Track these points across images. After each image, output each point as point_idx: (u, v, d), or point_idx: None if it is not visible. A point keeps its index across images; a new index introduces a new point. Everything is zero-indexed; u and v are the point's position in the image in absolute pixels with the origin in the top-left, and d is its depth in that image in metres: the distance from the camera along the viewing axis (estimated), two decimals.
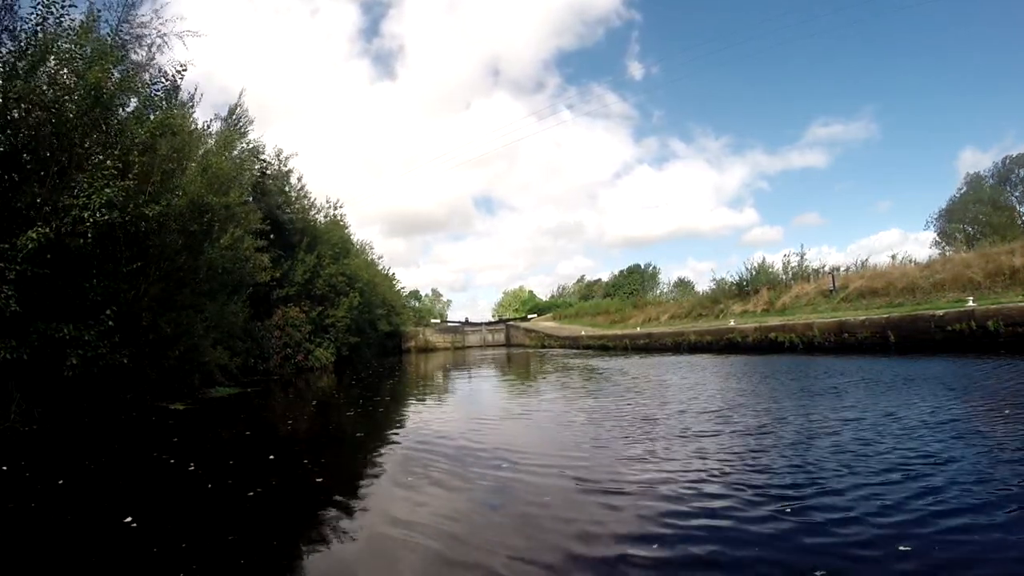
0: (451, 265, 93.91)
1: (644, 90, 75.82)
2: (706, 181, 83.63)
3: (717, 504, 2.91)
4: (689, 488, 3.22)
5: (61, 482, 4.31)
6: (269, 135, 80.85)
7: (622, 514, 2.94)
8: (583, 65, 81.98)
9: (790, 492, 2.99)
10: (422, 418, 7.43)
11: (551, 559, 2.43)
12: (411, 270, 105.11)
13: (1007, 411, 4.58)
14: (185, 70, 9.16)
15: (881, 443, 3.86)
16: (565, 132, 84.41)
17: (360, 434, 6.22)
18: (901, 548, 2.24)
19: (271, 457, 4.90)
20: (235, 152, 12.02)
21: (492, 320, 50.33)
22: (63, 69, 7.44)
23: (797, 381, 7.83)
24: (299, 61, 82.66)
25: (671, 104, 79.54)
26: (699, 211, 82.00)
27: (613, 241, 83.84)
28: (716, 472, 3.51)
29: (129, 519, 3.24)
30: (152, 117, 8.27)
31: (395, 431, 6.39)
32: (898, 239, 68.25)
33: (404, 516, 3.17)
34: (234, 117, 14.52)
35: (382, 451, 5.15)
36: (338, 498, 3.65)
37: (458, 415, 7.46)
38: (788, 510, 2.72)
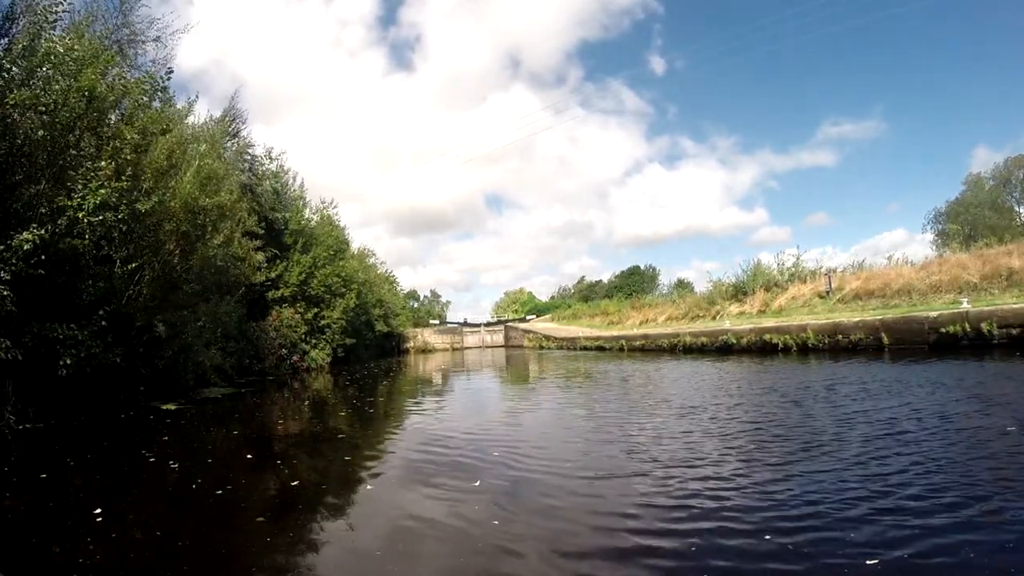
0: (457, 264, 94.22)
1: (660, 86, 75.75)
2: (716, 180, 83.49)
3: (711, 514, 2.81)
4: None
5: (44, 476, 4.40)
6: (278, 128, 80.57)
7: (617, 522, 2.86)
8: (605, 57, 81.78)
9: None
10: (411, 420, 7.47)
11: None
12: (417, 270, 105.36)
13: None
14: (171, 72, 9.32)
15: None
16: (579, 129, 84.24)
17: (342, 435, 6.26)
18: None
19: (248, 456, 4.94)
20: (228, 153, 12.10)
21: (491, 321, 50.38)
22: (58, 73, 7.51)
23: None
24: (312, 51, 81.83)
25: (685, 101, 79.59)
26: (708, 210, 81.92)
27: (621, 240, 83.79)
28: (706, 484, 3.40)
29: (98, 511, 3.34)
30: (143, 116, 8.35)
31: (382, 433, 6.44)
32: (903, 239, 67.46)
33: (374, 520, 3.15)
34: (227, 119, 14.60)
35: (365, 453, 5.18)
36: (304, 498, 3.70)
37: (447, 417, 7.49)
38: (767, 537, 2.53)
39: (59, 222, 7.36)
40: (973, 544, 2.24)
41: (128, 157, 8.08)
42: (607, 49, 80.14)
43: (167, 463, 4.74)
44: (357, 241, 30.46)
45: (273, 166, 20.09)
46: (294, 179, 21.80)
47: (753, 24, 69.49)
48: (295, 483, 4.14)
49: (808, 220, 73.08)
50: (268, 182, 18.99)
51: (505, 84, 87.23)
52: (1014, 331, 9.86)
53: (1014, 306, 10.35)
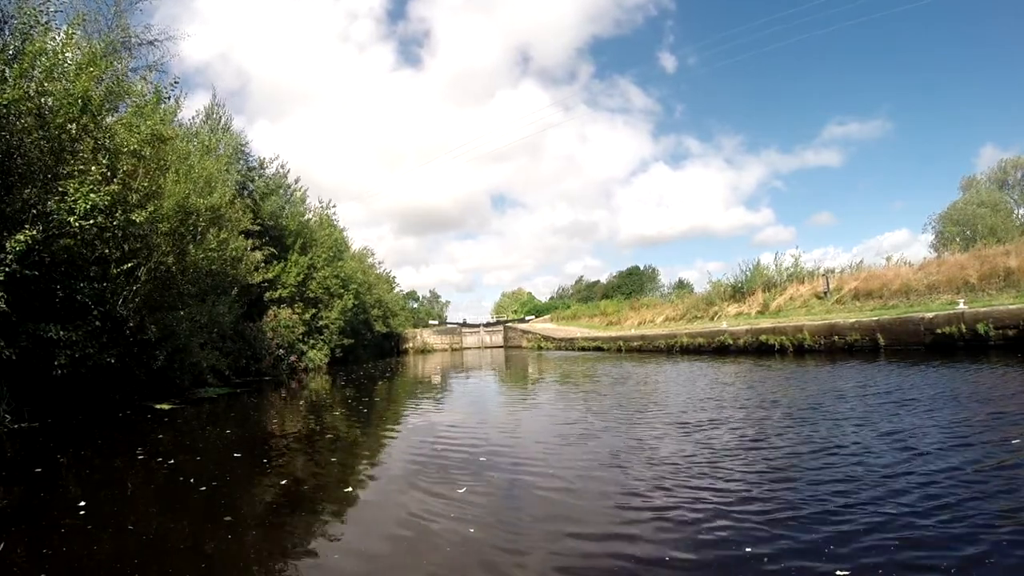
0: (460, 264, 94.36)
1: (668, 84, 75.58)
2: (722, 180, 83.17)
3: (707, 530, 2.70)
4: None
5: (39, 470, 4.47)
6: (282, 125, 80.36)
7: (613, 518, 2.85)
8: (615, 54, 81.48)
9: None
10: (405, 422, 7.48)
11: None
12: (420, 269, 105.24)
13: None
14: (177, 83, 9.39)
15: None
16: (586, 128, 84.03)
17: (335, 436, 6.27)
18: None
19: (239, 456, 4.96)
20: (220, 152, 12.11)
21: (490, 321, 50.41)
22: (51, 76, 7.53)
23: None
24: (318, 46, 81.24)
25: (692, 99, 79.31)
26: (714, 210, 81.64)
27: (626, 240, 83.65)
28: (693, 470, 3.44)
29: (82, 504, 3.42)
30: (142, 127, 8.37)
31: (375, 434, 6.44)
32: (906, 239, 67.28)
33: (358, 523, 3.14)
34: (214, 118, 14.61)
35: (356, 454, 5.20)
36: (291, 498, 3.70)
37: (439, 420, 7.47)
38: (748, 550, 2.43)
39: (51, 224, 7.38)
40: None
41: (123, 162, 8.09)
42: (618, 46, 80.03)
43: (157, 461, 4.77)
44: (360, 240, 30.85)
45: (269, 167, 20.12)
46: (297, 182, 21.87)
47: (759, 23, 69.59)
48: (284, 482, 4.15)
49: (813, 220, 72.98)
50: (264, 182, 19.01)
51: (514, 81, 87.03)
52: (1010, 332, 9.80)
53: (1010, 307, 10.30)
